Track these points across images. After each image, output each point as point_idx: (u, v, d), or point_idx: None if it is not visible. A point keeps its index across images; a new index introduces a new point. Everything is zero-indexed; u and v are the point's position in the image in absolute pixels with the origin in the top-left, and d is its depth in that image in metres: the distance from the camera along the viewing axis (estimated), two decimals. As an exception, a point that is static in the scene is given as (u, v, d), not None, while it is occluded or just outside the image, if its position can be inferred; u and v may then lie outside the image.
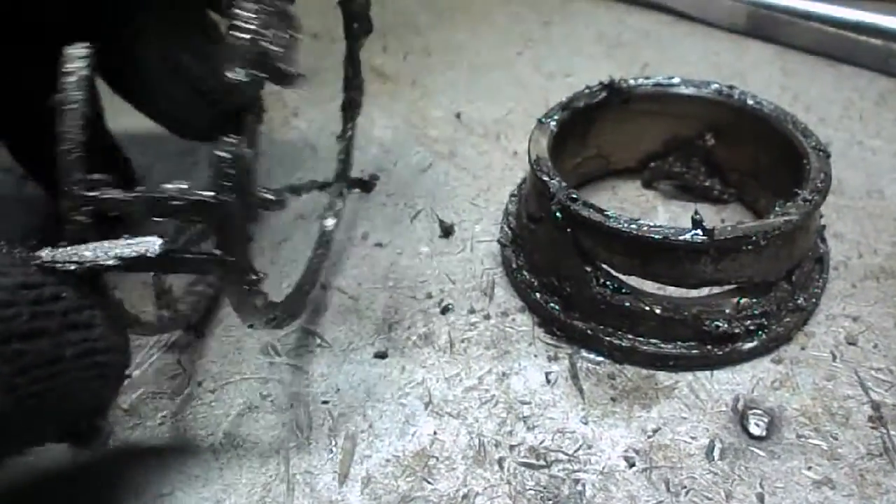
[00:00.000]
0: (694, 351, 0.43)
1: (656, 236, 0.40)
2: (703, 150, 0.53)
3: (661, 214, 0.54)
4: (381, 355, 0.45)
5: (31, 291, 0.28)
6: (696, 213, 0.40)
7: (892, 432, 0.40)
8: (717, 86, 0.51)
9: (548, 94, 0.67)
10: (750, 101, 0.50)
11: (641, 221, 0.41)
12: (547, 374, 0.44)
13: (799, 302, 0.45)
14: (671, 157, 0.55)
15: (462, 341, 0.46)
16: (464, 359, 0.45)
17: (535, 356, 0.45)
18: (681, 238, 0.40)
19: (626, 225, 0.40)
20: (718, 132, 0.52)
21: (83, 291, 0.31)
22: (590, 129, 0.53)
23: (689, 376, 0.43)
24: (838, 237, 0.51)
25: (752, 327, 0.43)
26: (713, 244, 0.40)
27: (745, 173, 0.53)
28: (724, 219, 0.53)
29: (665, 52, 0.73)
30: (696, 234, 0.40)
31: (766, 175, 0.51)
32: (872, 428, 0.40)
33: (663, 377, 0.43)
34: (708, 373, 0.43)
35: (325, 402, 0.42)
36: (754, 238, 0.40)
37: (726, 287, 0.43)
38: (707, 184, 0.54)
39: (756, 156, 0.51)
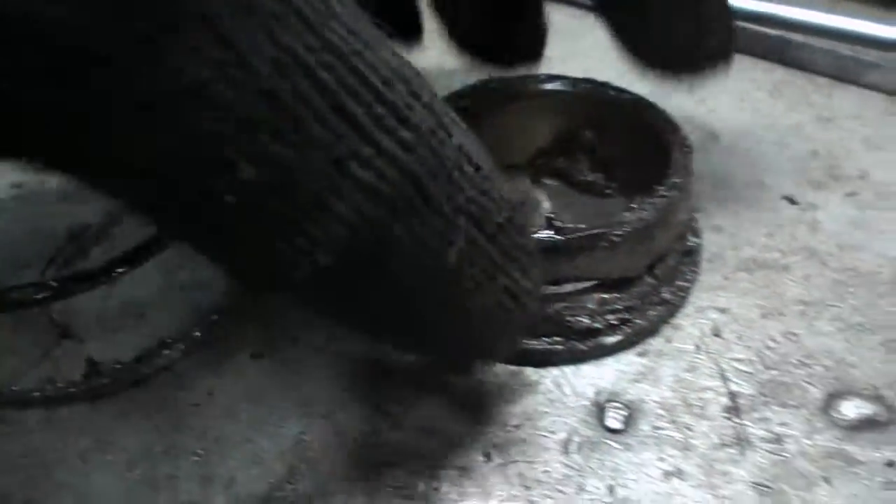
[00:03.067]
0: (559, 346, 0.44)
1: (510, 236, 0.41)
2: (586, 145, 0.54)
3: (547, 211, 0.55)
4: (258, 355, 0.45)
5: None
6: (551, 212, 0.41)
7: (745, 422, 0.41)
8: (592, 82, 0.52)
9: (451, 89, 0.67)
10: (625, 96, 0.51)
11: (497, 221, 0.41)
12: (417, 372, 0.44)
13: (665, 296, 0.46)
14: (556, 154, 0.55)
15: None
16: (337, 359, 0.45)
17: (407, 355, 0.45)
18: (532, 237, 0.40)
19: (480, 225, 0.41)
20: (598, 127, 0.53)
21: None
22: (473, 129, 0.53)
23: (555, 371, 0.44)
24: (716, 230, 0.52)
25: (615, 322, 0.44)
26: (565, 243, 0.40)
27: (626, 168, 0.53)
28: (607, 213, 0.54)
29: (571, 47, 0.73)
30: (548, 234, 0.40)
31: (644, 169, 0.52)
32: (726, 418, 0.41)
33: (531, 373, 0.44)
34: (574, 368, 0.44)
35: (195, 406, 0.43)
36: (606, 235, 0.41)
37: (588, 283, 0.44)
38: (591, 178, 0.55)
39: (634, 150, 0.52)
